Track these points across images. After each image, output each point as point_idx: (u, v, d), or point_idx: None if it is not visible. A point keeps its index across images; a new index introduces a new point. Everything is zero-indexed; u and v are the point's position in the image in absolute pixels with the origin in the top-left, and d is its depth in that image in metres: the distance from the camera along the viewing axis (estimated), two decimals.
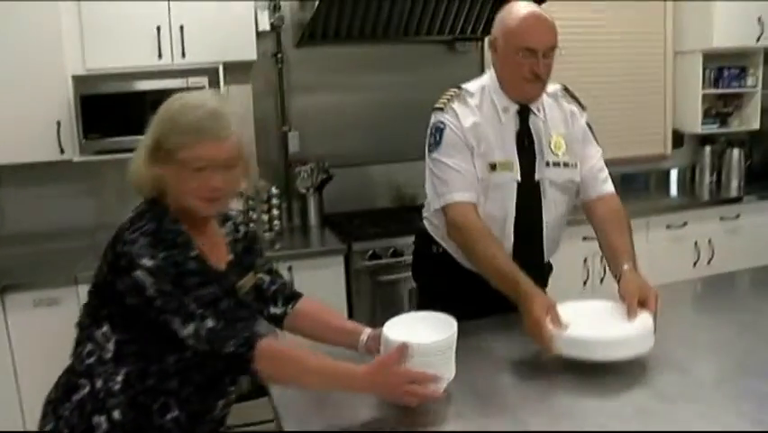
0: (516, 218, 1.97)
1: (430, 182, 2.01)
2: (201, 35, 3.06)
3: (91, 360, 1.44)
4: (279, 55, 3.54)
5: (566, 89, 2.09)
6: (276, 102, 3.60)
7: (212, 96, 1.46)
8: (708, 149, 4.40)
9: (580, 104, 2.09)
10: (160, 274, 1.34)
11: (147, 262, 1.34)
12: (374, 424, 1.40)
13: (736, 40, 4.06)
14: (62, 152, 3.02)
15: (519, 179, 1.95)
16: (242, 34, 3.16)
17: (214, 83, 3.10)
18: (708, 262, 3.82)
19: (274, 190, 3.42)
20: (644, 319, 1.58)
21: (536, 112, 1.98)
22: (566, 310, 1.62)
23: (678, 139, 4.39)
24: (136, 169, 1.43)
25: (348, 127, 3.71)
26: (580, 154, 2.02)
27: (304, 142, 3.63)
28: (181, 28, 3.03)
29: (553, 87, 2.04)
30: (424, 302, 2.18)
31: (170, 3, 3.02)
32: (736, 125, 4.37)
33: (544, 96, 2.00)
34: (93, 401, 1.42)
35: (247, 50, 3.18)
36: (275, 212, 3.42)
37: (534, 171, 1.96)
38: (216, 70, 3.12)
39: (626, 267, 1.76)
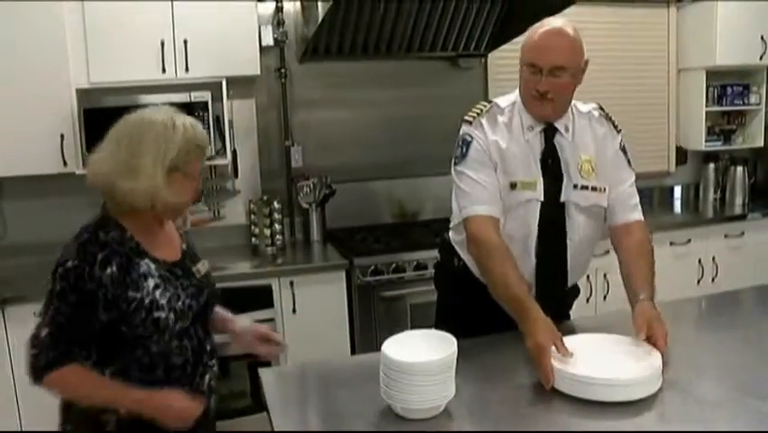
0: (539, 239, 1.94)
1: (454, 194, 2.00)
2: (205, 50, 3.08)
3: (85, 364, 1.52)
4: (283, 70, 3.55)
5: (601, 109, 2.06)
6: (279, 117, 3.60)
7: (184, 115, 1.58)
8: (711, 166, 4.40)
9: (614, 125, 2.05)
10: (61, 280, 1.46)
11: (68, 264, 1.46)
12: None
13: (740, 58, 4.07)
14: (65, 164, 3.03)
15: (542, 198, 1.91)
16: (245, 49, 3.17)
17: (217, 97, 3.12)
18: (713, 280, 3.81)
19: (276, 205, 3.42)
20: (653, 360, 1.53)
21: (563, 132, 1.94)
22: (572, 344, 1.60)
23: (681, 156, 4.39)
24: (144, 185, 1.49)
25: (351, 142, 3.71)
26: (610, 179, 1.98)
27: (307, 156, 3.64)
28: (185, 42, 3.05)
29: (587, 106, 2.03)
30: (441, 313, 2.19)
31: (174, 17, 3.04)
32: (739, 143, 4.36)
33: (576, 117, 1.98)
34: None
35: (250, 65, 3.20)
36: (277, 226, 3.41)
37: (559, 192, 1.92)
38: (220, 85, 3.13)
39: (641, 297, 1.76)
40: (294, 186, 3.58)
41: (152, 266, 1.54)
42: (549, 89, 1.84)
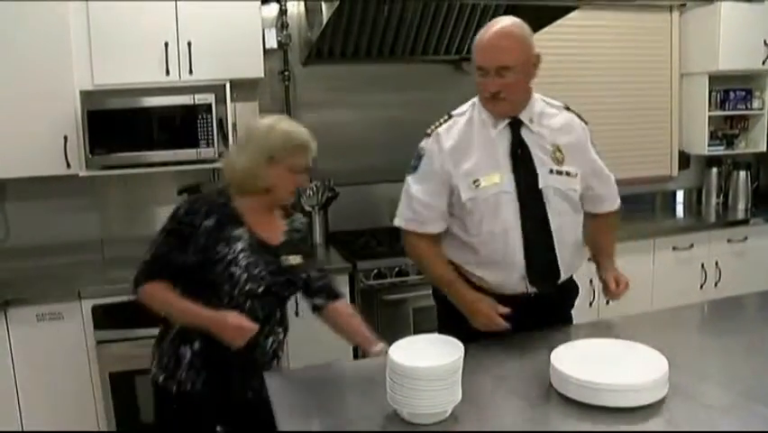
0: (524, 231, 1.95)
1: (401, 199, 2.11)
2: (208, 52, 3.07)
3: None
4: (286, 73, 3.55)
5: (567, 108, 2.12)
6: None
7: (292, 121, 1.96)
8: (714, 170, 4.40)
9: (581, 118, 2.11)
10: (170, 221, 1.89)
11: (180, 210, 1.89)
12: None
13: (742, 62, 4.07)
14: (68, 166, 3.02)
15: (510, 190, 1.95)
16: (249, 52, 3.17)
17: (221, 100, 3.11)
18: (716, 285, 3.80)
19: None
20: (660, 365, 1.53)
21: (529, 123, 1.99)
22: (578, 349, 1.62)
23: (684, 160, 4.39)
24: (246, 168, 1.87)
25: (354, 145, 3.71)
26: (585, 166, 2.05)
27: None
28: (189, 45, 3.04)
29: (556, 102, 2.10)
30: (442, 320, 2.20)
31: (178, 19, 3.04)
32: (742, 147, 4.36)
33: (546, 108, 2.05)
34: (181, 336, 1.90)
35: (254, 68, 3.19)
36: None
37: (536, 180, 1.96)
38: (223, 87, 3.12)
39: (608, 264, 2.11)
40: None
41: (246, 234, 1.89)
42: (499, 89, 1.89)
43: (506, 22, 1.92)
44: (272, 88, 3.56)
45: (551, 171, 1.97)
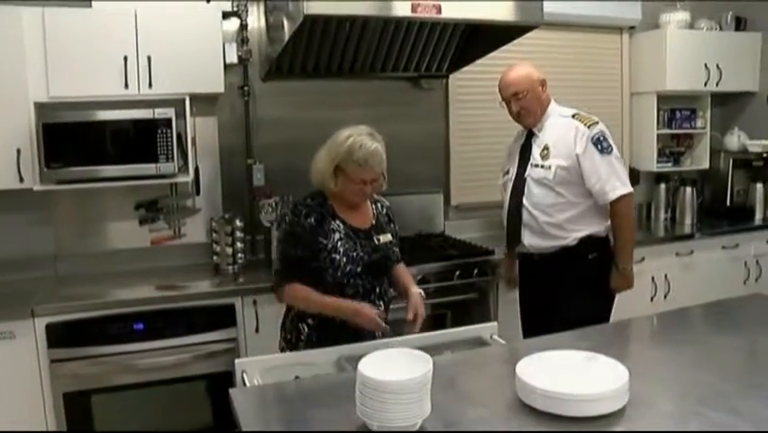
0: (509, 207, 2.87)
1: None
2: (168, 66, 3.05)
3: None
4: (246, 88, 3.54)
5: (575, 116, 2.76)
6: (241, 134, 3.59)
7: (371, 136, 2.19)
8: (662, 187, 4.54)
9: (585, 124, 2.71)
10: (283, 227, 2.30)
11: (287, 217, 2.28)
12: None
13: (687, 83, 4.26)
14: (21, 180, 2.94)
15: (512, 178, 2.87)
16: (209, 66, 3.16)
17: (180, 114, 3.08)
18: (665, 297, 3.92)
19: (238, 223, 3.38)
20: (620, 375, 1.58)
21: (536, 132, 2.83)
22: (543, 361, 1.66)
23: (634, 176, 4.52)
24: (320, 171, 2.23)
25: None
26: (567, 157, 2.69)
27: (269, 175, 3.62)
28: (149, 59, 3.01)
29: (569, 111, 2.80)
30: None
31: (138, 33, 3.01)
32: (687, 164, 4.54)
33: (557, 118, 2.79)
34: (299, 315, 2.28)
35: (214, 83, 3.18)
36: (239, 245, 3.37)
37: (525, 171, 2.81)
38: (183, 101, 3.10)
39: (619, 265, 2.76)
40: (255, 204, 3.55)
41: (341, 225, 2.24)
42: (519, 110, 2.81)
43: (515, 66, 2.83)
44: (232, 103, 3.55)
45: (532, 165, 2.79)
